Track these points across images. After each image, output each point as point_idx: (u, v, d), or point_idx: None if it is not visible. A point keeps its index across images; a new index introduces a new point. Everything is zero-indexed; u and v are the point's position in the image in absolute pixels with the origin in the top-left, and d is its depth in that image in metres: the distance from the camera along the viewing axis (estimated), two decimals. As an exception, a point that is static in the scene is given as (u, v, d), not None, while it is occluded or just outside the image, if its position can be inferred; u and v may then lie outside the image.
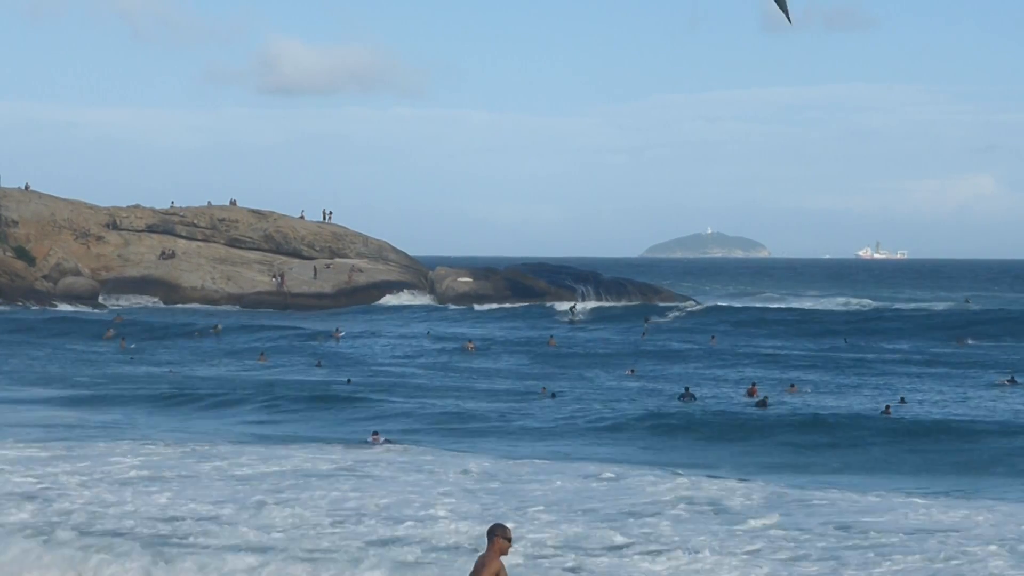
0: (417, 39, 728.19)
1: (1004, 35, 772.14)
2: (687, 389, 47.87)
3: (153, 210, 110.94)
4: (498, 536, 14.13)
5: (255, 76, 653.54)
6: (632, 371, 59.11)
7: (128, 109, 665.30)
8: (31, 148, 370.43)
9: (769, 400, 45.67)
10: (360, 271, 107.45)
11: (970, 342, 77.14)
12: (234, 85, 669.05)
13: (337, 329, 79.23)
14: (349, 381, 53.30)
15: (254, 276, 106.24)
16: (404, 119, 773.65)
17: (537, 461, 33.02)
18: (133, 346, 71.63)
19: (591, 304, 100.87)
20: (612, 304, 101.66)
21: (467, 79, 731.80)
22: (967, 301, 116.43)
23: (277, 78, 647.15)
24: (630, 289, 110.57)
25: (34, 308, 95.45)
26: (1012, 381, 54.01)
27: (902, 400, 46.37)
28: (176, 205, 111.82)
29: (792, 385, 52.30)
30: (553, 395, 48.07)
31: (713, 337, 76.26)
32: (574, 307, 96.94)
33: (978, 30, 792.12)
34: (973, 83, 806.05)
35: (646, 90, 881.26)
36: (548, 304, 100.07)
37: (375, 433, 37.45)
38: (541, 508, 25.76)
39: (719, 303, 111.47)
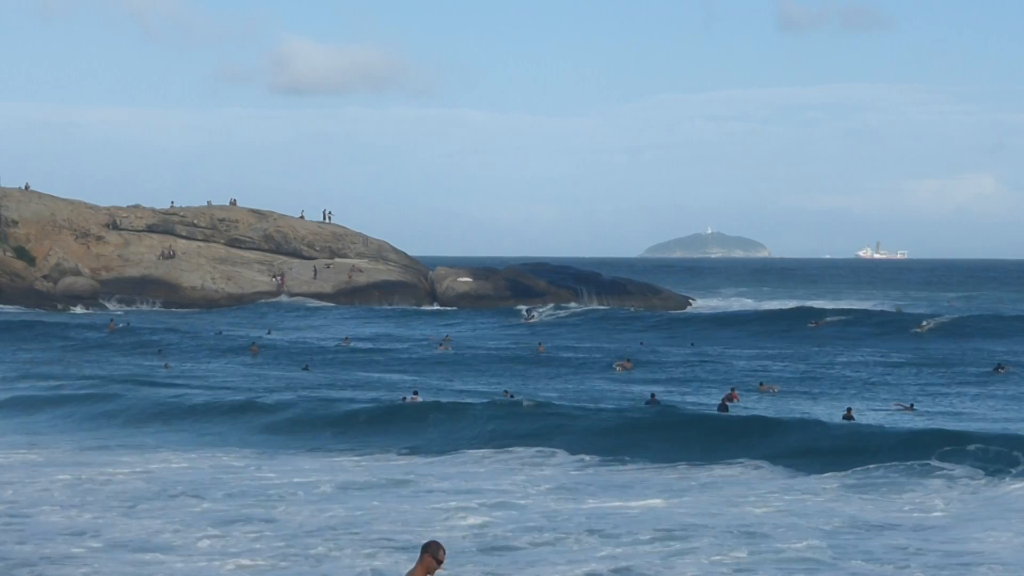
0: (420, 39, 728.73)
1: (1012, 34, 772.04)
2: (653, 395, 47.25)
3: (153, 210, 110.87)
4: (428, 554, 14.02)
5: (266, 76, 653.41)
6: (626, 365, 58.99)
7: (135, 109, 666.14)
8: (32, 148, 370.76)
9: (730, 404, 45.39)
10: (360, 271, 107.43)
11: (925, 324, 78.39)
12: (245, 85, 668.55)
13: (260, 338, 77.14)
14: (306, 367, 53.99)
15: (254, 276, 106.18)
16: (404, 119, 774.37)
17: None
18: (122, 326, 76.70)
19: (578, 307, 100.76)
20: (578, 307, 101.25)
21: (467, 79, 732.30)
22: (949, 303, 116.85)
23: (288, 78, 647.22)
24: (630, 289, 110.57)
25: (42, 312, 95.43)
26: (1000, 368, 54.47)
27: (911, 407, 45.38)
28: (176, 205, 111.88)
29: (761, 383, 52.25)
30: (511, 395, 48.10)
31: (692, 343, 74.87)
32: (530, 309, 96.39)
33: (990, 29, 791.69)
34: (977, 82, 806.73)
35: (646, 90, 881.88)
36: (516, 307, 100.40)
37: (415, 393, 40.45)
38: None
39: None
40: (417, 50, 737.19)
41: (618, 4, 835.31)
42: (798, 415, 41.16)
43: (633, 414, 40.14)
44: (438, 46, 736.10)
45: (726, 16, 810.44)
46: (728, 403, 45.14)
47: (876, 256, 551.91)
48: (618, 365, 59.64)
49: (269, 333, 78.61)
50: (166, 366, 59.43)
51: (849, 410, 41.96)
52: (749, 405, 45.50)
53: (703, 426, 37.54)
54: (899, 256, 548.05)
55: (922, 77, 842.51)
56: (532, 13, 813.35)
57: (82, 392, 47.69)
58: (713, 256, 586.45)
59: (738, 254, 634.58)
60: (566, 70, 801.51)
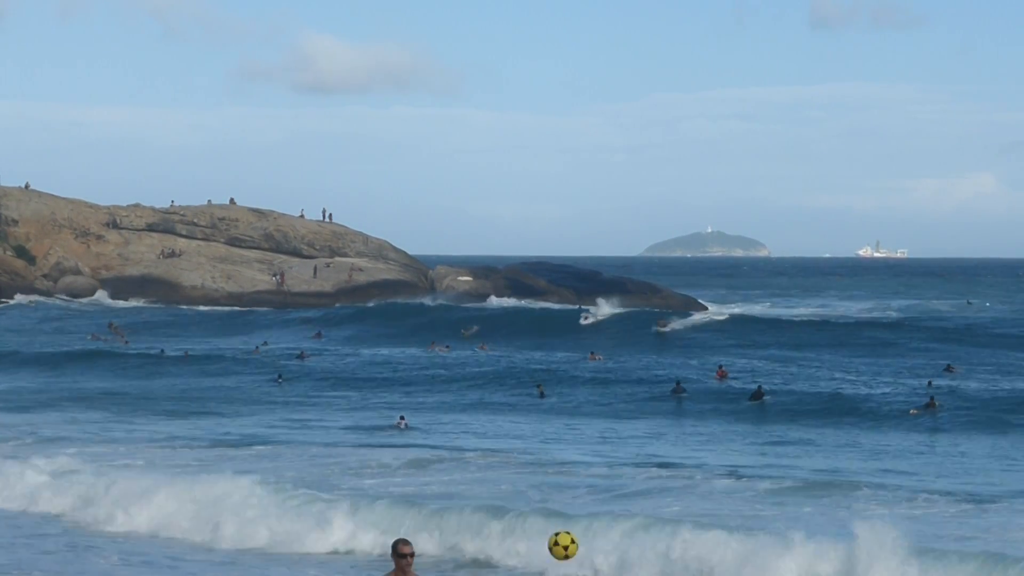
0: (432, 39, 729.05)
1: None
2: (678, 383, 47.56)
3: (153, 209, 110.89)
4: (392, 551, 14.16)
5: (288, 74, 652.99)
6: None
7: (152, 109, 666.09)
8: (33, 147, 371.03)
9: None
10: (360, 270, 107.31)
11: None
12: (265, 83, 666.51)
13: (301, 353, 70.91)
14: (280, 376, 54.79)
15: (254, 275, 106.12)
16: (406, 118, 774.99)
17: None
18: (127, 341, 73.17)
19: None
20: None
21: (467, 79, 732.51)
22: (968, 303, 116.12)
23: (309, 76, 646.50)
24: (630, 288, 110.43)
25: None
26: (950, 369, 54.79)
27: (948, 368, 50.48)
28: (176, 204, 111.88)
29: (720, 367, 53.61)
30: (542, 395, 48.05)
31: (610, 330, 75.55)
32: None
33: (1013, 29, 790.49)
34: (993, 81, 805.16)
35: (646, 89, 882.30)
36: None
37: (401, 417, 39.81)
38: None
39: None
40: (430, 50, 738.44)
41: (619, 4, 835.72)
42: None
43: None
44: (432, 47, 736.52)
45: (750, 14, 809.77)
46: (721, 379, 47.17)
47: (876, 255, 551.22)
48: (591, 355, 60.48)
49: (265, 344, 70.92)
50: (256, 350, 63.67)
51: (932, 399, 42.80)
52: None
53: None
54: (899, 255, 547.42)
55: (925, 76, 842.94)
56: (532, 14, 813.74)
57: None
58: (713, 255, 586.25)
59: (738, 253, 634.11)
60: (566, 69, 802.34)
